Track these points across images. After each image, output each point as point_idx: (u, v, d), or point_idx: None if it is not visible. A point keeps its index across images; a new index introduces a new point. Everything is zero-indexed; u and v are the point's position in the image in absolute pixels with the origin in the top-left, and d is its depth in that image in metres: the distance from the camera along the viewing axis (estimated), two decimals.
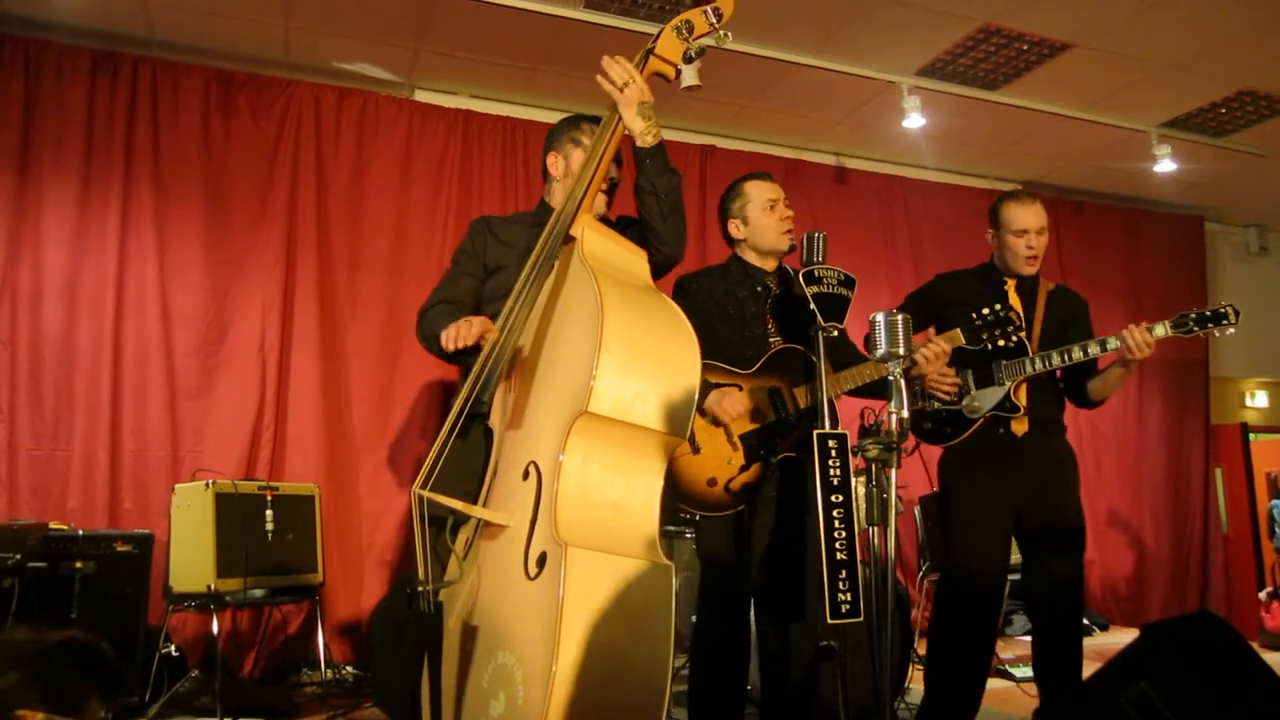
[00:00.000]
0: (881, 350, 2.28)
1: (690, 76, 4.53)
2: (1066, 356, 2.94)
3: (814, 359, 2.52)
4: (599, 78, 2.36)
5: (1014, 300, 3.11)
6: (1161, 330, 2.90)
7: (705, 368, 2.72)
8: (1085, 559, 3.20)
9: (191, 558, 3.68)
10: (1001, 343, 2.80)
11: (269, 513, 3.84)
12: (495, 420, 2.31)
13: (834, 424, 2.49)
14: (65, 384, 4.30)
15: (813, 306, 2.48)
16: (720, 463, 2.68)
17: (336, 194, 4.87)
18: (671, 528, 4.06)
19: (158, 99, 4.61)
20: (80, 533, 3.57)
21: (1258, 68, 4.98)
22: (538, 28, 4.51)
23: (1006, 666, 4.45)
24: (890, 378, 2.28)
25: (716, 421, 2.68)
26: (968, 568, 3.03)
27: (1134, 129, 5.69)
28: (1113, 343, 2.90)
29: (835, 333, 2.53)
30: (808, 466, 2.71)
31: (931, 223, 6.25)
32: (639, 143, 2.37)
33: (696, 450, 2.68)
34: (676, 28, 2.35)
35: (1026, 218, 3.08)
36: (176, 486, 3.87)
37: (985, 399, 2.99)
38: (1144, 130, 5.70)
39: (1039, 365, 2.96)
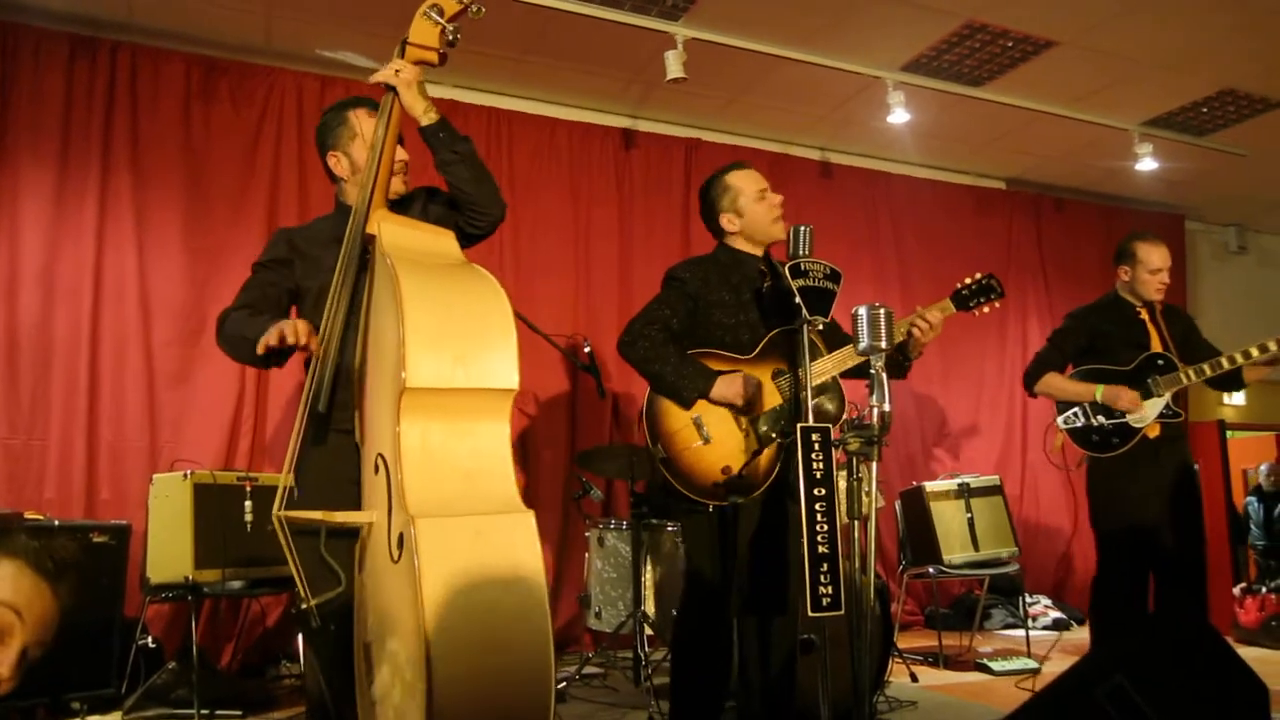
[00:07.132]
0: (864, 344, 2.29)
1: (675, 69, 4.59)
2: (1217, 366, 3.45)
3: (812, 341, 2.53)
4: (371, 78, 2.35)
5: (1149, 324, 3.68)
6: None
7: (704, 355, 2.72)
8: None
9: (169, 548, 3.64)
10: (986, 309, 2.85)
11: (248, 503, 3.79)
12: (358, 438, 2.28)
13: (840, 401, 2.69)
14: (42, 373, 4.25)
15: (799, 300, 2.47)
16: (734, 450, 2.65)
17: (318, 183, 4.82)
18: (655, 521, 4.06)
19: (137, 85, 4.55)
20: (56, 523, 3.54)
21: (1239, 68, 5.02)
22: (524, 17, 4.49)
23: (985, 661, 4.48)
24: (871, 371, 2.29)
25: (734, 408, 2.67)
26: (1121, 544, 3.60)
27: (1116, 127, 5.73)
28: (1274, 347, 3.38)
29: (821, 327, 2.53)
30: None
31: (915, 218, 6.29)
32: (424, 121, 2.34)
33: (706, 441, 2.66)
34: (425, 12, 2.32)
35: (1160, 258, 3.64)
36: (154, 476, 3.82)
37: (1150, 410, 3.52)
38: (1126, 129, 5.74)
39: (1192, 376, 3.49)
